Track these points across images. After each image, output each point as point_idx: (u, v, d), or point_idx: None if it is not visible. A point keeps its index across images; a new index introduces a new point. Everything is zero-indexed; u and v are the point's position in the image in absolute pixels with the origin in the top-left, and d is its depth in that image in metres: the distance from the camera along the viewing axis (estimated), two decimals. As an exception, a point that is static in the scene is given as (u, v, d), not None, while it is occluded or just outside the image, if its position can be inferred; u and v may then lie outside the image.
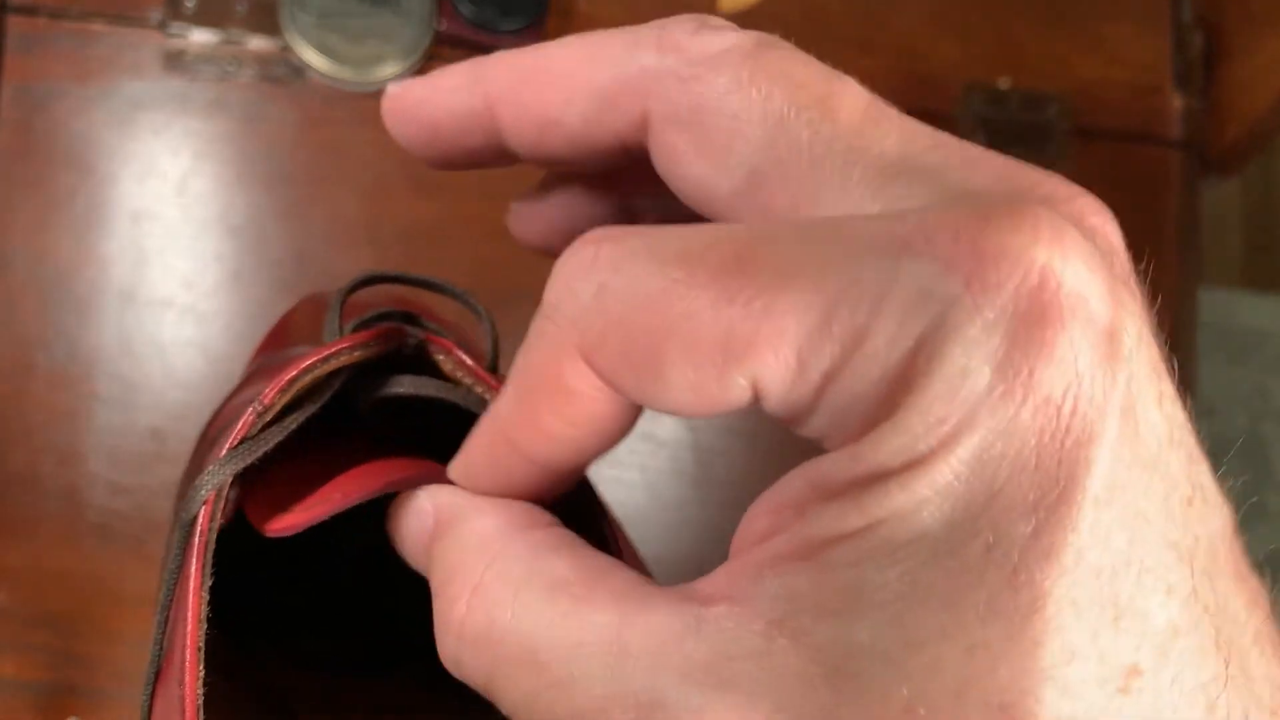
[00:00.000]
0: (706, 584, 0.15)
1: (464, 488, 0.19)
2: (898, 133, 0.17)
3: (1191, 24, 0.52)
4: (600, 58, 0.18)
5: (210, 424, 0.30)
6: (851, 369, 0.14)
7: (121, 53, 0.47)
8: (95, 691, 0.43)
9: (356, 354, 0.20)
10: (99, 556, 0.43)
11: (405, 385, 0.21)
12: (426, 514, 0.19)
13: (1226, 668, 0.14)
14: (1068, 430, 0.13)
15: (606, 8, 0.50)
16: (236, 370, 0.46)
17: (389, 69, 0.47)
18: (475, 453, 0.19)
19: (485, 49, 0.51)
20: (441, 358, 0.21)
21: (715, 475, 0.47)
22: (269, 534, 0.19)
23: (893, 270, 0.14)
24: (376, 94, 0.48)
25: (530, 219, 0.23)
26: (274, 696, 0.27)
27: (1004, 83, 0.50)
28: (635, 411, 0.17)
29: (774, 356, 0.14)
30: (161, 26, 0.47)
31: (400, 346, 0.21)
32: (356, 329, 0.22)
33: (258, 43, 0.47)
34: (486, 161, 0.21)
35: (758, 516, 0.16)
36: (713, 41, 0.18)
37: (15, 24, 0.46)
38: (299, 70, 0.47)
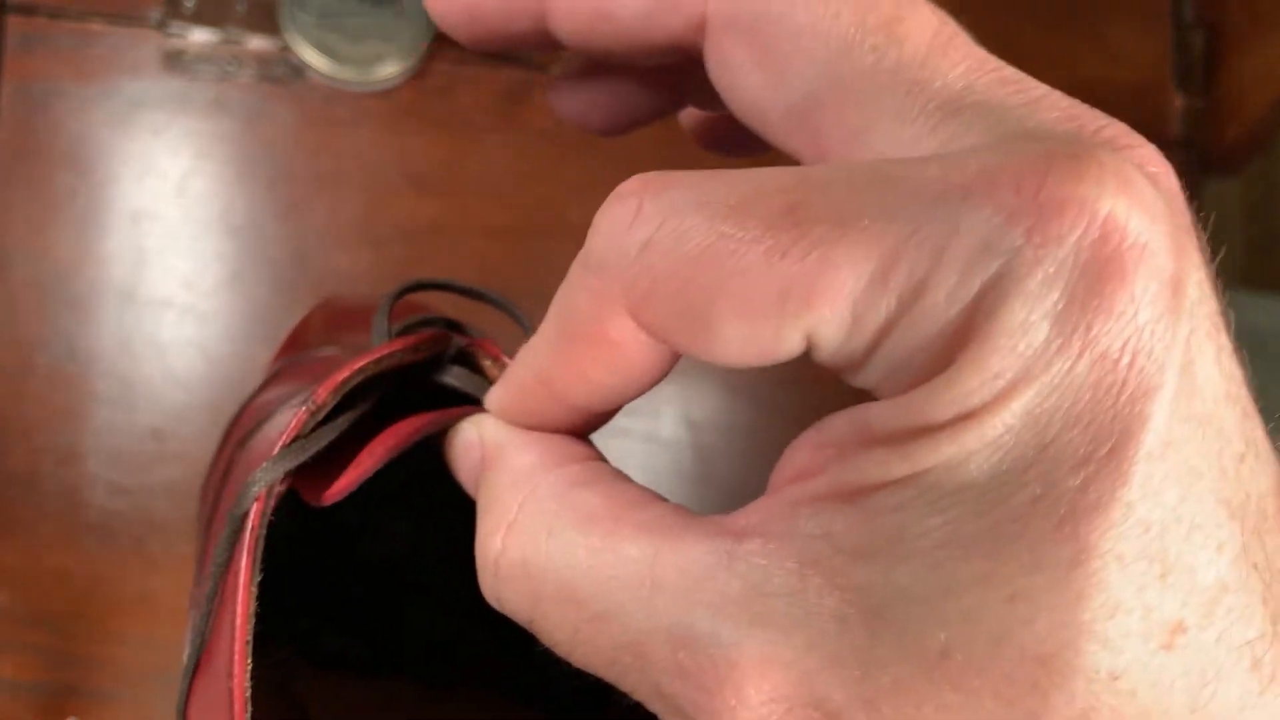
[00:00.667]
0: (741, 517, 0.15)
1: (500, 416, 0.19)
2: (964, 64, 0.16)
3: (1192, 23, 0.52)
4: None
5: (234, 424, 0.30)
6: (908, 323, 0.14)
7: (121, 52, 0.46)
8: (95, 691, 0.43)
9: (405, 356, 0.21)
10: (98, 556, 0.43)
11: (456, 377, 0.21)
12: (474, 446, 0.19)
13: (1274, 625, 0.14)
14: (1124, 385, 0.13)
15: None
16: (236, 370, 0.46)
17: (389, 68, 0.47)
18: (511, 391, 0.19)
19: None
20: (488, 363, 0.22)
21: (716, 475, 0.47)
22: (324, 503, 0.20)
23: (952, 221, 0.13)
24: (376, 94, 0.48)
25: (572, 95, 0.22)
26: (287, 692, 0.27)
27: (1004, 82, 0.50)
28: (677, 357, 0.17)
29: (830, 311, 0.14)
30: (161, 26, 0.47)
31: (445, 350, 0.22)
32: (402, 332, 0.23)
33: (257, 42, 0.47)
34: (529, 48, 0.20)
35: (798, 452, 0.16)
36: None
37: (15, 24, 0.46)
38: (299, 70, 0.47)
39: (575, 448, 0.18)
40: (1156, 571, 0.13)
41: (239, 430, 0.28)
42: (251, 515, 0.19)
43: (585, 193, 0.46)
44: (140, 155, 0.46)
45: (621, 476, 0.17)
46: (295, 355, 0.35)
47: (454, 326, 0.23)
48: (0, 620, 0.43)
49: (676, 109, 0.22)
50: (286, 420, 0.20)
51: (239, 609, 0.19)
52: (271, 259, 0.46)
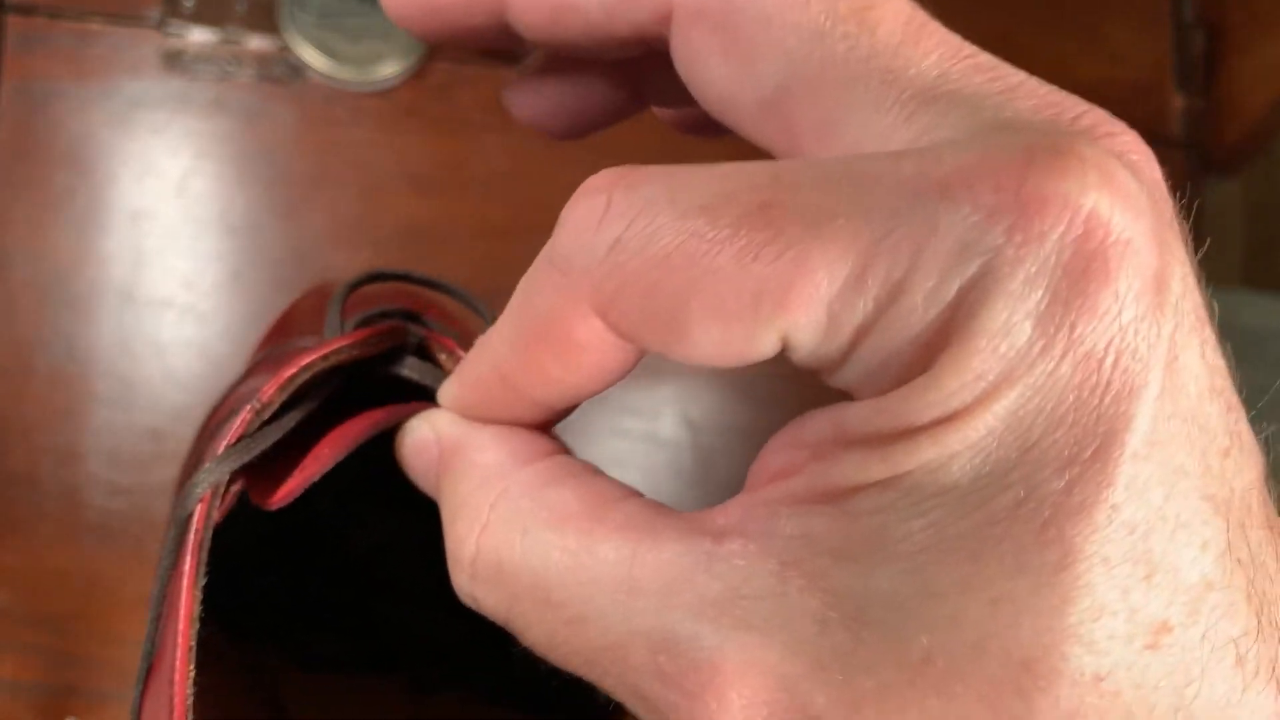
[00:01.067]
0: (719, 514, 0.15)
1: (454, 410, 0.19)
2: (937, 52, 0.16)
3: (1192, 23, 0.52)
4: None
5: (210, 416, 0.30)
6: (885, 325, 0.13)
7: (120, 52, 0.46)
8: (94, 692, 0.43)
9: (356, 351, 0.20)
10: (98, 557, 0.43)
11: (413, 370, 0.21)
12: (430, 444, 0.18)
13: (1258, 621, 0.14)
14: (1108, 385, 0.13)
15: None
16: (236, 370, 0.45)
17: (388, 68, 0.47)
18: (468, 386, 0.18)
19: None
20: (444, 356, 0.21)
21: (715, 475, 0.47)
22: (271, 508, 0.19)
23: (930, 220, 0.13)
24: (376, 93, 0.47)
25: (530, 96, 0.21)
26: (265, 691, 0.26)
27: (1004, 82, 0.49)
28: (641, 354, 0.16)
29: (804, 314, 0.14)
30: (160, 26, 0.47)
31: (402, 344, 0.21)
32: (359, 325, 0.22)
33: (257, 42, 0.47)
34: (487, 43, 0.20)
35: (776, 450, 0.15)
36: None
37: (14, 23, 0.46)
38: (298, 69, 0.47)
39: (541, 443, 0.18)
40: (1141, 573, 0.13)
41: (212, 422, 0.27)
42: (195, 517, 0.18)
43: (585, 193, 0.46)
44: (140, 155, 0.46)
45: (592, 470, 0.17)
46: (279, 344, 0.35)
47: (412, 318, 0.22)
48: (0, 620, 0.43)
49: (637, 109, 0.22)
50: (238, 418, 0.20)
51: (182, 613, 0.18)
52: (271, 259, 0.46)
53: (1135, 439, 0.13)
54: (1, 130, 0.45)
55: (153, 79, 0.46)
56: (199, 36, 0.47)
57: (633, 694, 0.15)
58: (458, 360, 0.21)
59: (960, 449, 0.13)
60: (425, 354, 0.21)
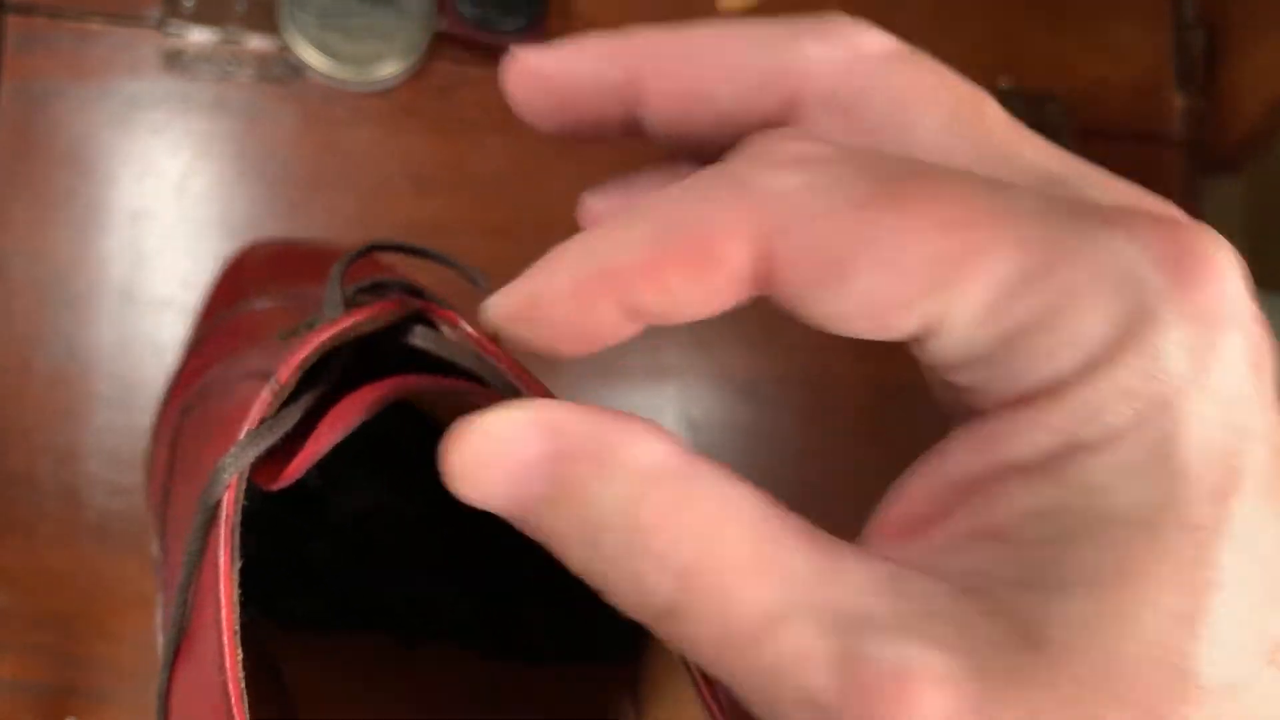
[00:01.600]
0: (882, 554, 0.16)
1: (503, 317, 0.18)
2: (1033, 146, 0.17)
3: (1193, 23, 0.52)
4: (763, 40, 0.19)
5: (174, 388, 0.30)
6: (1045, 325, 0.15)
7: (120, 52, 0.46)
8: (94, 692, 0.43)
9: (368, 326, 0.20)
10: (98, 557, 0.43)
11: (425, 339, 0.20)
12: (529, 442, 0.16)
13: None
14: (1239, 427, 0.15)
15: (605, 9, 0.50)
16: (236, 370, 0.45)
17: (389, 68, 0.47)
18: (554, 278, 0.17)
19: (486, 48, 0.51)
20: (446, 329, 0.21)
21: (715, 475, 0.47)
22: (274, 489, 0.19)
23: (1103, 244, 0.15)
24: (376, 93, 0.47)
25: (613, 203, 0.21)
26: (262, 656, 0.27)
27: (1004, 83, 0.50)
28: (737, 299, 0.16)
29: (976, 290, 0.15)
30: (160, 25, 0.47)
31: (404, 315, 0.21)
32: (357, 294, 0.22)
33: (257, 42, 0.47)
34: (608, 135, 0.20)
35: (912, 498, 0.16)
36: (877, 39, 0.18)
37: (13, 23, 0.46)
38: (298, 69, 0.47)
39: (672, 437, 0.16)
40: (1267, 596, 0.15)
41: (179, 396, 0.27)
42: (225, 503, 0.18)
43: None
44: (140, 155, 0.46)
45: (732, 471, 0.16)
46: (229, 308, 0.35)
47: (410, 290, 0.22)
48: (0, 620, 0.43)
49: None
50: (242, 398, 0.19)
51: (223, 599, 0.18)
52: (271, 259, 0.46)
53: (1259, 480, 0.15)
54: (1, 130, 0.45)
55: (153, 79, 0.46)
56: (199, 36, 0.47)
57: (803, 703, 0.15)
58: (460, 333, 0.20)
59: (1123, 470, 0.14)
60: (427, 324, 0.21)
